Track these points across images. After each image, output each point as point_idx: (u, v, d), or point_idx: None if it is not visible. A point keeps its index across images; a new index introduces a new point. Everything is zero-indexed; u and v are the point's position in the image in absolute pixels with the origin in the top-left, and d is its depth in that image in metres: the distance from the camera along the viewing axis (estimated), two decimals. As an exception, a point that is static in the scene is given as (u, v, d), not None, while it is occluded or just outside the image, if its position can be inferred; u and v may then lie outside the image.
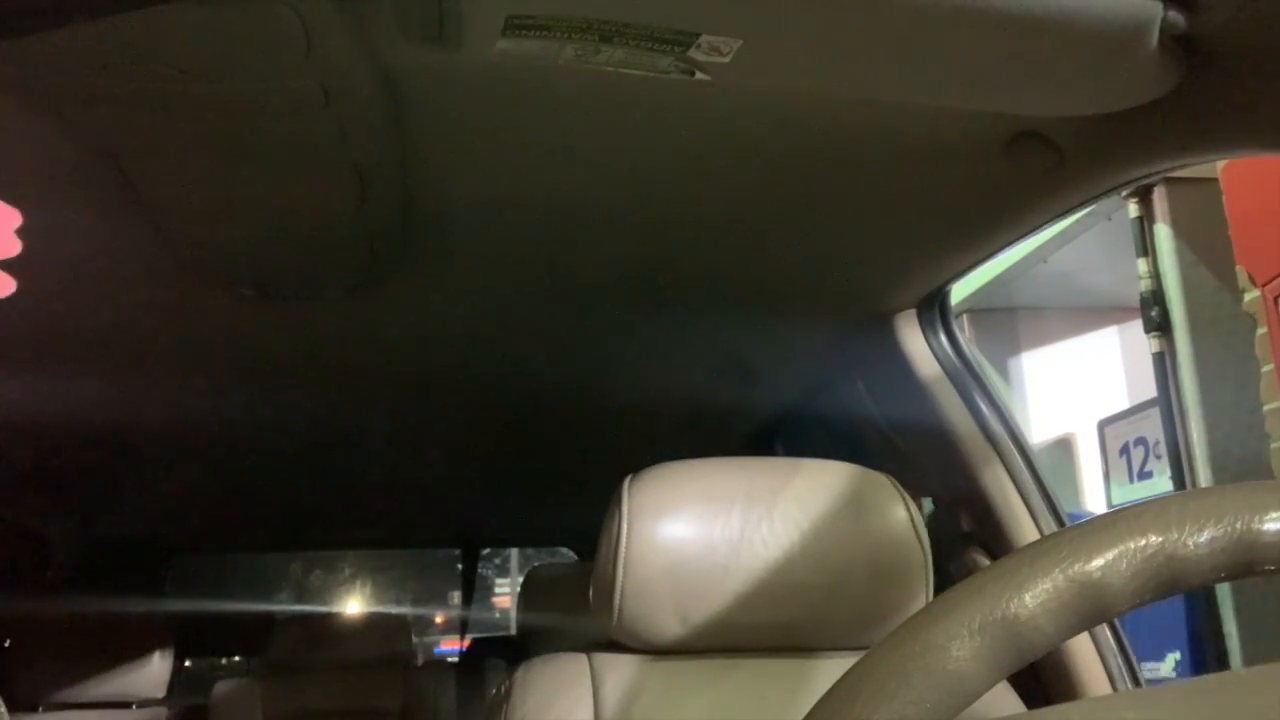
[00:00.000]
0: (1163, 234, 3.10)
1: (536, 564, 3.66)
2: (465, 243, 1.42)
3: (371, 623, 3.57)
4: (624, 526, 1.06)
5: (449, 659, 5.31)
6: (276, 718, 2.89)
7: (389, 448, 2.66)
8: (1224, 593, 2.86)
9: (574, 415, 2.40)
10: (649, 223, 1.37)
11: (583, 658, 1.10)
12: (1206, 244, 2.98)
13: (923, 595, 1.09)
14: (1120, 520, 0.43)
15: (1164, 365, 3.08)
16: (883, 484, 1.13)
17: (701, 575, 1.05)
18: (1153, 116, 0.94)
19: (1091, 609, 0.42)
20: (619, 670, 1.07)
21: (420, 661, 3.82)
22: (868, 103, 1.01)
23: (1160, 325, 3.08)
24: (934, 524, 1.48)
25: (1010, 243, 1.34)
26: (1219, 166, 2.65)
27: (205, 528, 3.66)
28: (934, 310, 1.58)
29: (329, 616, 5.05)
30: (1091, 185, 1.14)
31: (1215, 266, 2.97)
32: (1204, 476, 2.94)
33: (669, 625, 1.06)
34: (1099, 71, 0.87)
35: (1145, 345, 3.17)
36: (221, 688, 2.96)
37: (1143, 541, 0.42)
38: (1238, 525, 0.42)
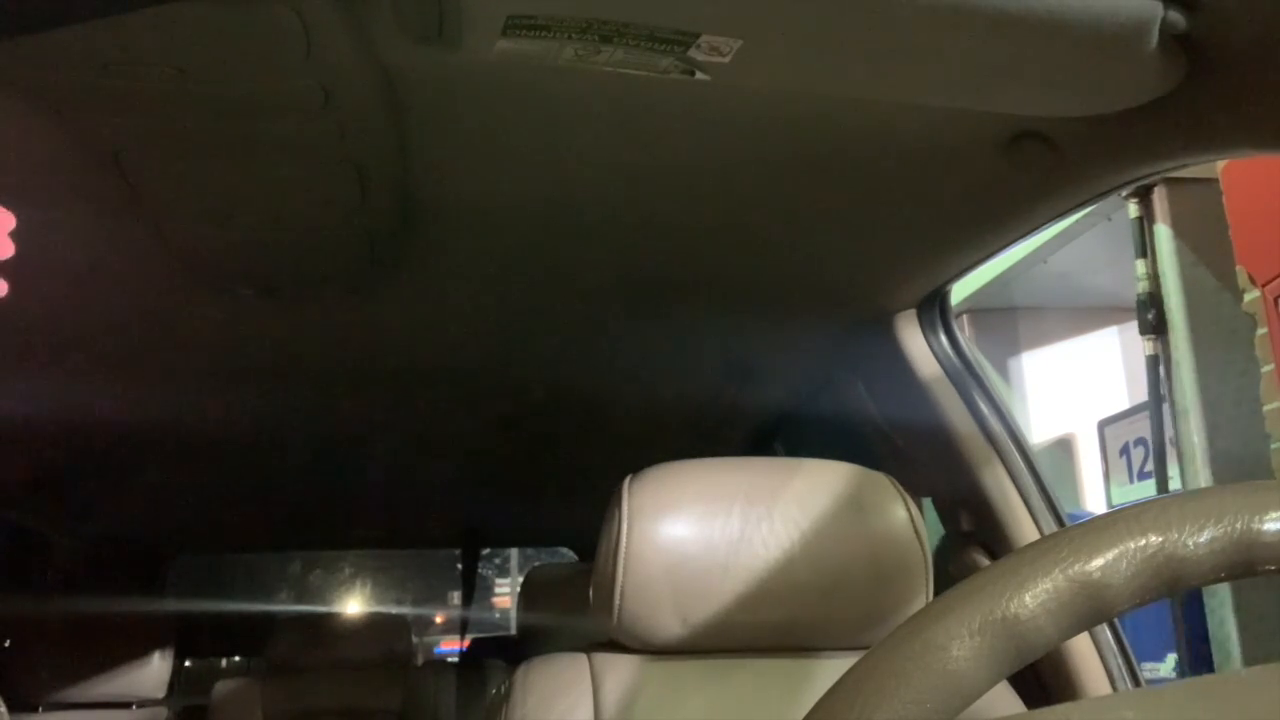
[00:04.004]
0: (1163, 234, 3.09)
1: (536, 564, 3.66)
2: (465, 242, 1.42)
3: (371, 623, 3.57)
4: (624, 526, 1.06)
5: (449, 659, 5.32)
6: (276, 718, 2.89)
7: (389, 447, 2.65)
8: (1224, 593, 2.86)
9: (574, 415, 2.40)
10: (649, 223, 1.37)
11: (583, 658, 1.10)
12: (1206, 244, 2.97)
13: (923, 595, 1.09)
14: (1120, 520, 0.43)
15: (1156, 369, 3.08)
16: (883, 484, 1.13)
17: (701, 575, 1.05)
18: (1153, 116, 0.94)
19: (1091, 609, 0.42)
20: (619, 670, 1.07)
21: (420, 661, 3.82)
22: (867, 103, 1.01)
23: (1154, 328, 3.07)
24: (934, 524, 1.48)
25: (1010, 243, 1.34)
26: (1219, 166, 2.65)
27: (205, 528, 3.67)
28: (934, 310, 1.57)
29: (329, 616, 5.05)
30: (1091, 185, 1.14)
31: (1215, 266, 2.96)
32: (1204, 476, 2.93)
33: (669, 625, 1.06)
34: (1099, 71, 0.87)
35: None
36: (221, 688, 2.96)
37: (1143, 541, 0.42)
38: (1238, 525, 0.42)
